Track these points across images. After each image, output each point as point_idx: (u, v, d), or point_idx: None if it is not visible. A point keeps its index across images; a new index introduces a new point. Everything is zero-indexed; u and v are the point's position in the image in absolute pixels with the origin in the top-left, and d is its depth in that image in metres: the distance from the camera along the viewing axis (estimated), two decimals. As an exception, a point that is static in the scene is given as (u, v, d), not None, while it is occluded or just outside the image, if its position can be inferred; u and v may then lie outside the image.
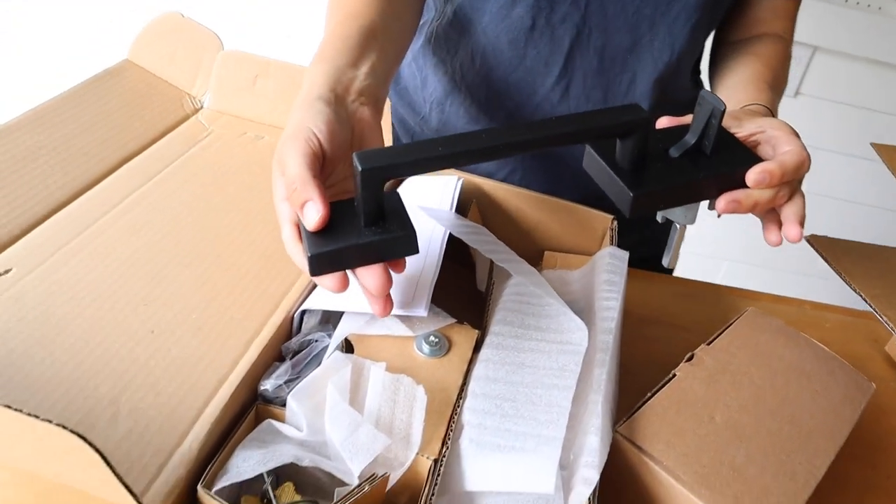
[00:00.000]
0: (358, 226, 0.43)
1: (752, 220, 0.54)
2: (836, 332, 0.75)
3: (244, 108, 0.73)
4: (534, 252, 0.69)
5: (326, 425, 0.43)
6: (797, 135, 0.52)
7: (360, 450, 0.42)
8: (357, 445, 0.42)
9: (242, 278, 0.53)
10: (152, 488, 0.39)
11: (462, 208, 0.66)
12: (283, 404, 0.46)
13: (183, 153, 0.66)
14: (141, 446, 0.41)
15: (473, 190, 0.68)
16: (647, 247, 0.73)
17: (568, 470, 0.44)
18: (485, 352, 0.50)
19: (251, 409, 0.46)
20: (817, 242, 0.63)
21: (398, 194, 0.45)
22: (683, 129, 0.49)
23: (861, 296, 0.57)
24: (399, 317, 0.50)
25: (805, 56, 1.39)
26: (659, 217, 0.54)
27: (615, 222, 0.67)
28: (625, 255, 0.60)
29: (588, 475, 0.41)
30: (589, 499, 0.40)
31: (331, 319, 0.52)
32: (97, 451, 0.34)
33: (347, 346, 0.49)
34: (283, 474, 0.46)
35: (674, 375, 0.51)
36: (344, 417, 0.43)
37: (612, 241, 0.64)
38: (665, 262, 0.57)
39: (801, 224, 0.50)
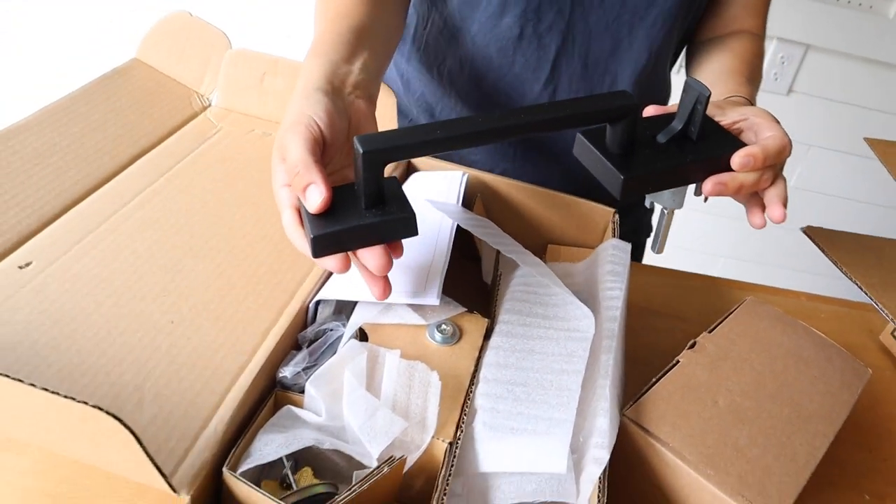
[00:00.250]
0: (358, 209, 0.44)
1: (745, 218, 0.56)
2: (832, 322, 0.77)
3: (252, 106, 0.74)
4: (537, 245, 0.70)
5: (345, 410, 0.44)
6: (778, 122, 0.54)
7: (378, 433, 0.43)
8: (375, 429, 0.43)
9: (257, 270, 0.54)
10: (180, 470, 0.40)
11: (467, 203, 0.67)
12: (301, 391, 0.47)
13: (193, 150, 0.67)
14: (167, 430, 0.42)
15: (478, 185, 0.70)
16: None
17: (578, 453, 0.46)
18: (495, 339, 0.51)
19: (270, 395, 0.47)
20: (813, 233, 0.65)
21: (396, 180, 0.46)
22: (669, 116, 0.51)
23: (857, 284, 0.59)
24: (411, 306, 0.52)
25: (797, 54, 1.42)
26: (647, 202, 0.56)
27: (616, 216, 0.68)
28: (627, 246, 0.62)
29: (599, 455, 0.42)
30: (599, 478, 0.42)
31: (343, 310, 0.54)
32: (131, 432, 0.35)
33: (362, 335, 0.51)
34: (301, 459, 0.47)
35: (677, 362, 0.53)
36: (361, 402, 0.44)
37: (613, 233, 0.66)
38: (654, 248, 0.58)
39: (784, 205, 0.52)
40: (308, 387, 0.46)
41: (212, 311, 0.50)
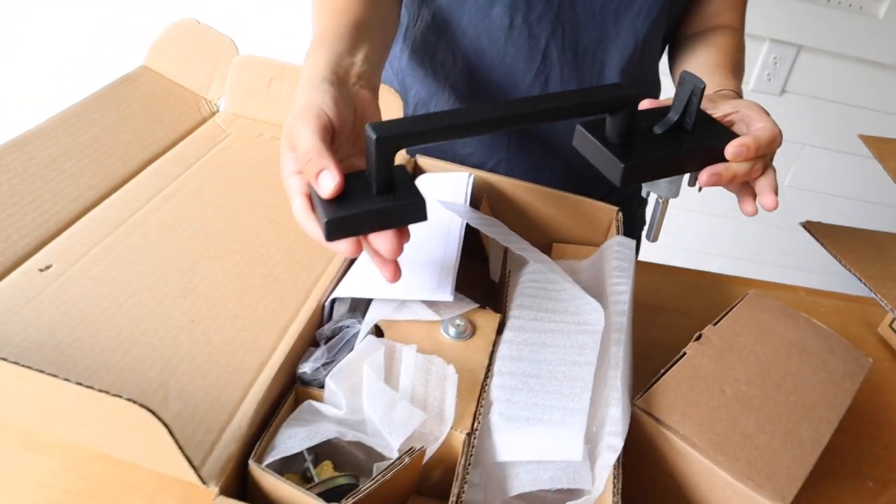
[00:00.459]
0: (369, 194, 0.44)
1: (741, 217, 0.58)
2: (831, 315, 0.79)
3: (259, 111, 0.75)
4: (542, 244, 0.72)
5: (364, 403, 0.45)
6: (768, 113, 0.55)
7: (398, 425, 0.44)
8: (395, 421, 0.44)
9: (272, 270, 0.56)
10: (207, 462, 0.41)
11: (474, 203, 0.68)
12: (321, 386, 0.48)
13: (203, 154, 0.68)
14: (193, 425, 0.43)
15: (484, 186, 0.71)
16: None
17: (591, 442, 0.47)
18: (507, 334, 0.52)
19: (291, 391, 0.48)
20: (813, 228, 0.67)
21: (405, 168, 0.47)
22: (665, 109, 0.53)
23: (857, 276, 0.61)
24: (425, 302, 0.53)
25: (790, 55, 1.44)
26: (644, 192, 0.57)
27: (620, 213, 0.70)
28: (632, 243, 0.63)
29: (613, 442, 0.43)
30: (614, 465, 0.43)
31: (358, 307, 0.55)
32: (164, 424, 0.36)
33: (377, 332, 0.52)
34: (321, 453, 0.48)
35: (684, 353, 0.54)
36: (381, 396, 0.45)
37: (618, 231, 0.67)
38: (648, 236, 0.60)
39: (775, 193, 0.53)
40: (328, 381, 0.47)
41: (230, 310, 0.52)
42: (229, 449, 0.42)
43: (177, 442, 0.37)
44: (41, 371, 0.36)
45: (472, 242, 0.66)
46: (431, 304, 0.53)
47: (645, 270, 0.83)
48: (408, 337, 0.51)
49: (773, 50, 1.43)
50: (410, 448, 0.43)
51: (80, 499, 0.49)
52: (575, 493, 0.45)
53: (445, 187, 0.66)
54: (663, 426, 0.48)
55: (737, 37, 0.76)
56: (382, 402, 0.45)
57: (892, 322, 0.74)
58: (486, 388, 0.49)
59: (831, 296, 0.82)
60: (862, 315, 0.79)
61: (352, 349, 0.50)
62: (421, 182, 0.69)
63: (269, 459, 0.43)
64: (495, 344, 0.52)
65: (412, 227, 0.47)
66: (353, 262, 0.58)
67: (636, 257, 0.91)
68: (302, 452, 0.46)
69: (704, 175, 0.52)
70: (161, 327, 0.49)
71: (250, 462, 0.42)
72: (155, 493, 0.50)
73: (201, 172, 0.66)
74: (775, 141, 0.52)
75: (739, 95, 0.64)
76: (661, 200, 0.57)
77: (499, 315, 0.54)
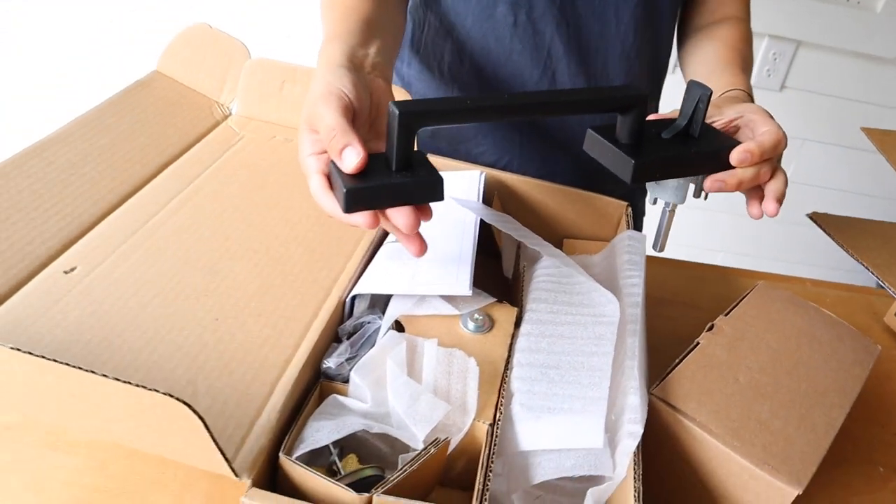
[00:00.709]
0: (389, 171, 0.46)
1: (742, 213, 0.58)
2: (837, 306, 0.80)
3: (272, 113, 0.76)
4: (553, 240, 0.72)
5: (389, 396, 0.47)
6: (772, 117, 0.56)
7: (422, 417, 0.45)
8: (420, 413, 0.45)
9: (293, 269, 0.57)
10: (239, 456, 0.42)
11: (485, 201, 0.69)
12: (345, 381, 0.49)
13: (219, 157, 0.70)
14: (223, 420, 0.44)
15: (495, 183, 0.72)
16: None
17: (610, 431, 0.48)
18: (525, 327, 0.54)
19: (315, 386, 0.49)
20: (819, 219, 0.68)
21: (423, 152, 0.48)
22: (671, 120, 0.54)
23: (864, 265, 0.62)
24: (444, 297, 0.54)
25: (789, 51, 1.45)
26: (650, 199, 0.58)
27: (630, 208, 0.71)
28: (643, 236, 0.64)
29: (633, 429, 0.44)
30: (634, 451, 0.44)
31: (377, 303, 0.56)
32: (200, 418, 0.37)
33: (398, 327, 0.53)
34: (346, 447, 0.49)
35: (697, 343, 0.55)
36: (405, 389, 0.46)
37: (628, 225, 0.69)
38: (655, 246, 0.61)
39: (779, 201, 0.54)
40: (353, 376, 0.48)
41: (253, 308, 0.53)
42: (260, 442, 0.43)
43: (212, 435, 0.38)
44: (79, 367, 0.37)
45: (484, 240, 0.67)
46: (450, 299, 0.54)
47: (652, 264, 0.84)
48: (428, 331, 0.52)
49: (772, 46, 1.45)
50: (435, 439, 0.44)
51: (107, 497, 0.50)
52: (596, 480, 0.46)
53: (458, 185, 0.67)
54: (680, 414, 0.49)
55: (743, 27, 0.77)
56: (407, 394, 0.46)
57: (898, 311, 0.75)
58: (507, 379, 0.50)
59: (836, 286, 0.83)
60: (867, 305, 0.80)
61: (373, 344, 0.51)
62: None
63: (299, 452, 0.44)
64: (513, 337, 0.53)
65: (428, 225, 0.48)
66: (371, 259, 0.59)
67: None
68: (328, 446, 0.47)
69: (709, 180, 0.53)
70: (186, 326, 0.50)
71: (281, 455, 0.43)
72: (182, 490, 0.51)
73: (217, 175, 0.67)
74: (779, 145, 0.53)
75: (749, 92, 0.65)
76: (667, 209, 0.58)
77: (516, 309, 0.56)
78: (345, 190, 0.44)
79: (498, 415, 0.47)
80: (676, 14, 0.81)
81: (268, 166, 0.69)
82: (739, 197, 0.57)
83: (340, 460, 0.48)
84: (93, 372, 0.37)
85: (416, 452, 0.44)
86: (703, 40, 0.76)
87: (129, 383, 0.37)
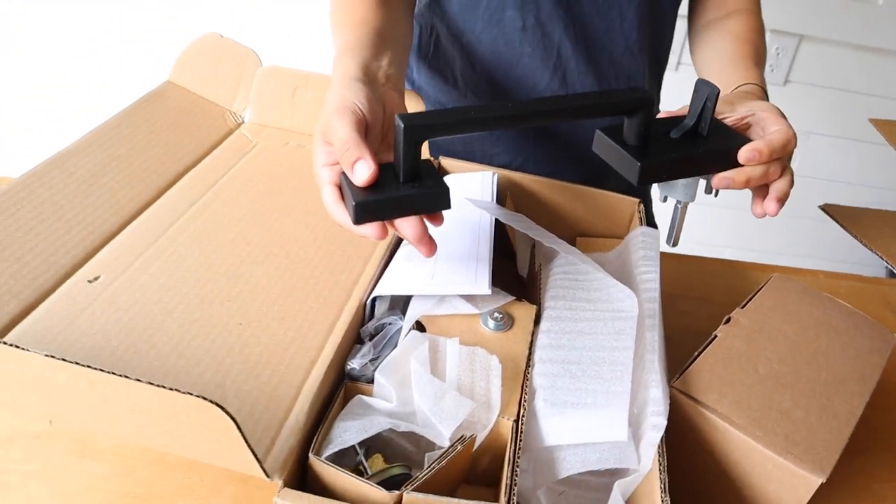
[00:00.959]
0: (397, 183, 0.47)
1: (748, 208, 0.59)
2: (850, 297, 0.80)
3: (284, 120, 0.77)
4: (566, 238, 0.72)
5: (414, 395, 0.47)
6: (784, 116, 0.57)
7: (448, 415, 0.46)
8: (445, 411, 0.46)
9: (313, 272, 0.57)
10: (269, 457, 0.43)
11: (499, 201, 0.70)
12: (369, 381, 0.50)
13: (234, 164, 0.70)
14: (252, 422, 0.45)
15: (507, 184, 0.73)
16: None
17: (633, 424, 0.48)
18: (545, 324, 0.54)
19: (340, 387, 0.50)
20: (832, 210, 0.68)
21: (430, 161, 0.49)
22: (680, 118, 0.54)
23: (878, 254, 0.62)
24: (463, 297, 0.55)
25: (791, 45, 1.46)
26: (660, 197, 0.59)
27: (642, 205, 0.71)
28: (656, 232, 0.65)
29: (656, 421, 0.45)
30: (658, 443, 0.45)
31: (397, 305, 0.56)
32: (233, 419, 0.38)
33: (419, 327, 0.53)
34: (371, 447, 0.50)
35: (715, 336, 0.56)
36: (430, 387, 0.47)
37: (640, 222, 0.69)
38: (668, 242, 0.61)
39: (781, 201, 0.55)
40: (377, 376, 0.48)
41: (276, 312, 0.53)
42: (289, 443, 0.44)
43: (244, 437, 0.38)
44: (113, 373, 0.38)
45: (497, 241, 0.68)
46: (469, 299, 0.54)
47: (663, 260, 0.84)
48: (449, 331, 0.53)
49: (775, 41, 1.45)
50: (461, 436, 0.45)
51: (135, 502, 0.51)
52: (619, 474, 0.47)
53: (472, 186, 0.67)
54: (701, 406, 0.50)
55: (754, 19, 0.77)
56: (432, 393, 0.47)
57: (911, 300, 0.75)
58: (529, 376, 0.50)
59: (849, 277, 0.84)
60: (881, 295, 0.81)
61: (395, 345, 0.52)
62: (447, 182, 0.70)
63: (327, 452, 0.44)
64: (533, 334, 0.54)
65: (445, 226, 0.49)
66: (389, 261, 0.59)
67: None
68: (354, 447, 0.48)
69: (717, 177, 0.53)
70: (212, 331, 0.51)
71: (310, 455, 0.43)
72: (209, 495, 0.51)
73: (234, 181, 0.67)
74: (789, 144, 0.53)
75: (762, 85, 0.65)
76: (679, 206, 0.59)
77: (535, 306, 0.56)
78: (354, 203, 0.45)
79: (522, 411, 0.48)
80: (677, 9, 0.82)
81: (283, 172, 0.70)
82: (745, 193, 0.58)
83: (366, 460, 0.49)
84: (126, 377, 0.38)
85: (444, 450, 0.44)
86: (714, 35, 0.76)
87: (163, 387, 0.37)
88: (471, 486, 0.51)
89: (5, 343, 0.38)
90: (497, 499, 0.44)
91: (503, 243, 0.70)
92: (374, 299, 0.56)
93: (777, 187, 0.54)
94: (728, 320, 0.58)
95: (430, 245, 0.49)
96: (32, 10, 1.59)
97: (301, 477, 0.45)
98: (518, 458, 0.45)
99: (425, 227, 0.48)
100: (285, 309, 0.53)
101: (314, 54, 1.00)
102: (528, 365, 0.51)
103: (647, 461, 0.45)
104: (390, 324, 0.53)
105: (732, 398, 0.50)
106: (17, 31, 1.62)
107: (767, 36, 1.45)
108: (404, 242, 0.61)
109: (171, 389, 0.37)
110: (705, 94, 0.52)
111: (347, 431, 0.45)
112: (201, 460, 0.45)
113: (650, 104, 0.50)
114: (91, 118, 0.70)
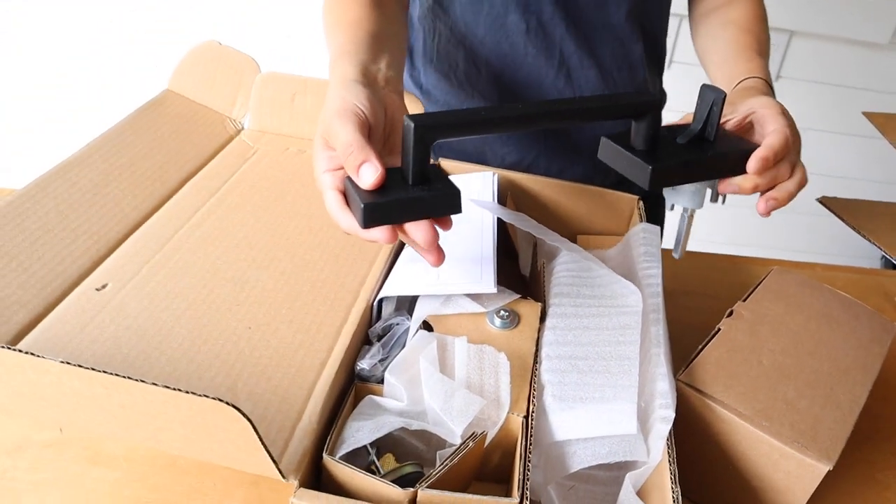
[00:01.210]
0: (405, 186, 0.46)
1: (744, 204, 0.59)
2: (849, 288, 0.80)
3: (284, 126, 0.77)
4: (567, 236, 0.73)
5: (425, 394, 0.48)
6: (783, 111, 0.57)
7: (458, 412, 0.46)
8: (456, 409, 0.46)
9: (319, 275, 0.58)
10: (284, 458, 0.43)
11: (500, 201, 0.71)
12: (379, 381, 0.50)
13: (236, 170, 0.71)
14: (265, 424, 0.45)
15: (507, 184, 0.73)
16: None
17: (641, 417, 0.49)
18: (550, 321, 0.55)
19: (351, 388, 0.50)
20: (829, 202, 0.69)
21: (439, 165, 0.48)
22: (684, 126, 0.55)
23: (877, 245, 0.63)
24: (469, 296, 0.55)
25: (782, 41, 1.47)
26: (668, 204, 0.59)
27: (641, 202, 0.72)
28: (657, 229, 0.65)
29: (665, 414, 0.46)
30: (667, 435, 0.45)
31: (403, 305, 0.57)
32: (249, 421, 0.38)
33: (426, 327, 0.54)
34: (382, 446, 0.50)
35: (719, 329, 0.57)
36: (440, 386, 0.48)
37: (640, 219, 0.70)
38: (676, 254, 0.61)
39: (784, 202, 0.55)
40: (387, 376, 0.49)
41: (284, 315, 0.54)
42: (303, 444, 0.44)
43: (260, 438, 0.39)
44: (129, 377, 0.38)
45: (500, 239, 0.68)
46: (475, 297, 0.55)
47: (664, 256, 0.85)
48: (456, 330, 0.53)
49: (766, 37, 1.46)
50: (473, 433, 0.45)
51: (149, 508, 0.51)
52: (628, 467, 0.48)
53: (473, 187, 0.68)
54: (708, 398, 0.50)
55: (755, 5, 0.77)
56: (442, 391, 0.47)
57: (909, 290, 0.76)
58: (537, 372, 0.51)
59: (846, 269, 0.84)
60: (879, 287, 0.81)
61: (403, 345, 0.52)
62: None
63: (341, 452, 0.45)
64: (540, 331, 0.54)
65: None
66: (394, 262, 0.60)
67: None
68: (366, 447, 0.48)
69: (724, 184, 0.54)
70: (221, 336, 0.51)
71: (325, 455, 0.44)
72: (221, 499, 0.52)
73: (237, 187, 0.68)
74: (787, 143, 0.53)
75: (764, 77, 0.65)
76: (686, 214, 0.59)
77: (540, 304, 0.57)
78: (362, 205, 0.43)
79: (531, 407, 0.48)
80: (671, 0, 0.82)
81: (285, 177, 0.70)
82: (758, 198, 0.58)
83: (378, 460, 0.49)
84: (143, 381, 0.38)
85: (455, 447, 0.45)
86: (715, 25, 0.76)
87: (179, 390, 0.38)
88: (482, 482, 0.52)
89: (21, 351, 0.39)
90: (508, 495, 0.45)
91: (505, 243, 0.71)
92: (380, 300, 0.56)
93: (784, 187, 0.55)
94: (731, 313, 0.59)
95: (438, 253, 0.48)
96: (32, 10, 1.59)
97: (315, 477, 0.45)
98: (529, 452, 0.45)
99: (436, 232, 0.46)
100: (293, 312, 0.54)
101: (314, 54, 1.00)
102: (535, 361, 0.52)
103: (656, 453, 0.45)
104: (398, 324, 0.54)
105: (738, 390, 0.51)
106: (17, 31, 1.61)
107: (759, 32, 1.46)
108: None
109: (186, 392, 0.38)
110: (710, 99, 0.52)
111: (360, 431, 0.46)
112: (216, 463, 0.46)
113: (658, 107, 0.51)
114: (91, 118, 0.70)
